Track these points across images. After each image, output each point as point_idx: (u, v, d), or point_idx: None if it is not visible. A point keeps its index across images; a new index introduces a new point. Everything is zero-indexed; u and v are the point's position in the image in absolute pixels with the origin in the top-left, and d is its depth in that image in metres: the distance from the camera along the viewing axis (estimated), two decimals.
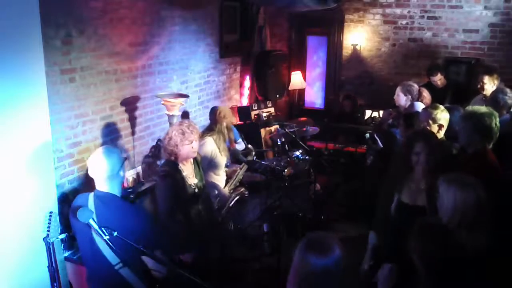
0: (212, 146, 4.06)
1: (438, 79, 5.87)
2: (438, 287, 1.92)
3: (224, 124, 4.14)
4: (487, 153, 3.06)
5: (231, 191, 4.31)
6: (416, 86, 4.73)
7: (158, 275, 2.58)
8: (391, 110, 4.81)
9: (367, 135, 4.97)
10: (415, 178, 2.95)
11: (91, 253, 2.59)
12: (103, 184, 2.59)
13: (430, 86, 5.96)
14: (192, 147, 3.30)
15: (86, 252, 2.67)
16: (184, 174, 3.32)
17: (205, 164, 4.04)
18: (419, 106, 4.30)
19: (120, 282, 2.53)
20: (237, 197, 4.28)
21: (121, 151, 2.72)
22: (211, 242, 3.57)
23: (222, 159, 4.21)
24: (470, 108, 3.35)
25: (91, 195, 2.62)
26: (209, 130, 4.18)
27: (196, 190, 3.40)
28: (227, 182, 4.43)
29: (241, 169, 4.44)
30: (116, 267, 2.48)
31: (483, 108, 3.25)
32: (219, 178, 4.21)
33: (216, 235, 3.77)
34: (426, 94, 4.95)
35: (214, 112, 4.20)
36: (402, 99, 4.63)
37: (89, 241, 2.56)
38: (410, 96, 4.61)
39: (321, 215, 5.19)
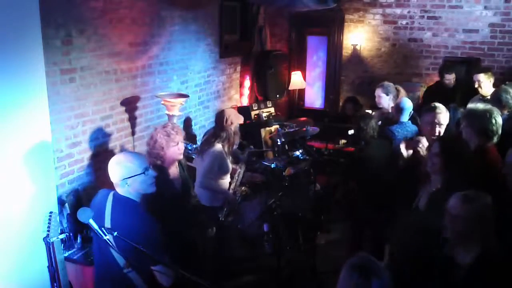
0: (220, 153, 4.00)
1: (452, 77, 5.86)
2: None
3: (232, 129, 4.08)
4: (488, 151, 3.06)
5: (236, 192, 4.29)
6: (392, 85, 4.82)
7: (165, 282, 2.54)
8: (382, 109, 4.83)
9: (352, 131, 4.84)
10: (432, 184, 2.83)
11: (99, 252, 2.58)
12: (117, 187, 2.56)
13: (440, 86, 5.96)
14: (178, 149, 3.29)
15: (96, 252, 2.67)
16: (170, 177, 3.30)
17: (214, 171, 4.01)
18: (407, 102, 4.31)
19: (127, 285, 2.51)
20: (240, 197, 4.27)
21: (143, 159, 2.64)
22: (200, 242, 3.56)
23: (229, 163, 4.18)
24: (469, 107, 3.36)
25: (111, 194, 2.59)
26: (216, 136, 4.09)
27: (181, 191, 3.38)
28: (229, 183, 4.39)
29: (240, 168, 4.42)
30: (124, 270, 2.46)
31: (480, 106, 3.25)
32: (225, 182, 4.20)
33: (206, 237, 3.76)
34: (402, 91, 5.02)
35: (220, 118, 4.10)
36: (385, 100, 4.73)
37: (98, 242, 2.55)
38: (391, 95, 4.70)
39: (321, 215, 5.19)
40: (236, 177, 4.29)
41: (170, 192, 3.23)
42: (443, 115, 3.51)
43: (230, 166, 4.15)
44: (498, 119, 3.11)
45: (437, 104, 3.62)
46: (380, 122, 4.55)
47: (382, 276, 1.79)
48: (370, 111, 6.60)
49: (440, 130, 3.48)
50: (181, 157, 3.38)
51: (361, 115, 4.29)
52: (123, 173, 2.50)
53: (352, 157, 4.75)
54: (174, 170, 3.38)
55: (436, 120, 3.47)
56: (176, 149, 3.27)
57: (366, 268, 1.81)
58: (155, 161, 3.24)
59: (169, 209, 3.14)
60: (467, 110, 3.27)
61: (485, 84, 5.00)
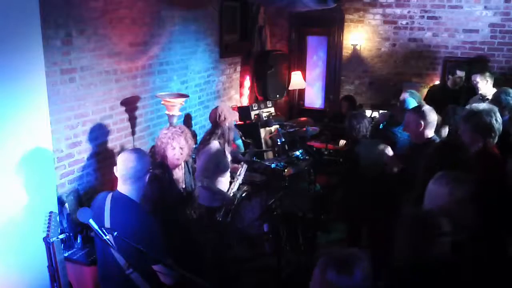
0: (216, 151, 3.99)
1: (463, 75, 5.77)
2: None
3: (226, 125, 4.06)
4: (491, 150, 3.07)
5: (236, 192, 4.27)
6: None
7: (166, 282, 2.53)
8: (386, 111, 4.84)
9: (343, 142, 4.89)
10: None
11: (103, 252, 2.58)
12: (123, 185, 2.56)
13: (443, 86, 5.95)
14: (175, 154, 3.19)
15: (98, 252, 2.67)
16: (174, 177, 3.27)
17: (210, 170, 3.99)
18: (411, 102, 4.28)
19: (129, 285, 2.50)
20: (242, 195, 4.26)
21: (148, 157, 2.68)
22: (202, 244, 3.55)
23: (227, 161, 4.16)
24: (469, 107, 3.35)
25: (109, 195, 2.59)
26: (212, 133, 4.09)
27: (185, 194, 3.37)
28: (230, 182, 4.38)
29: (242, 167, 4.40)
30: (126, 272, 2.45)
31: (481, 106, 3.24)
32: (225, 180, 4.17)
33: (207, 238, 3.75)
34: None
35: (214, 115, 4.10)
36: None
37: (99, 242, 2.55)
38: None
39: (321, 215, 5.19)
40: (237, 177, 4.28)
41: (172, 192, 3.22)
42: (430, 115, 3.46)
43: (229, 164, 4.13)
44: (499, 118, 3.13)
45: (424, 105, 3.61)
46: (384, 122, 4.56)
47: (362, 264, 1.67)
48: (370, 111, 6.65)
49: (430, 130, 3.47)
50: (179, 162, 3.27)
51: (355, 113, 4.24)
52: (136, 167, 2.50)
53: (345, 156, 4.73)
54: (179, 172, 3.35)
55: (422, 121, 3.42)
56: (172, 153, 3.19)
57: (344, 262, 1.66)
58: (161, 160, 3.22)
59: (172, 209, 3.13)
60: (469, 110, 3.26)
61: (482, 84, 5.00)
